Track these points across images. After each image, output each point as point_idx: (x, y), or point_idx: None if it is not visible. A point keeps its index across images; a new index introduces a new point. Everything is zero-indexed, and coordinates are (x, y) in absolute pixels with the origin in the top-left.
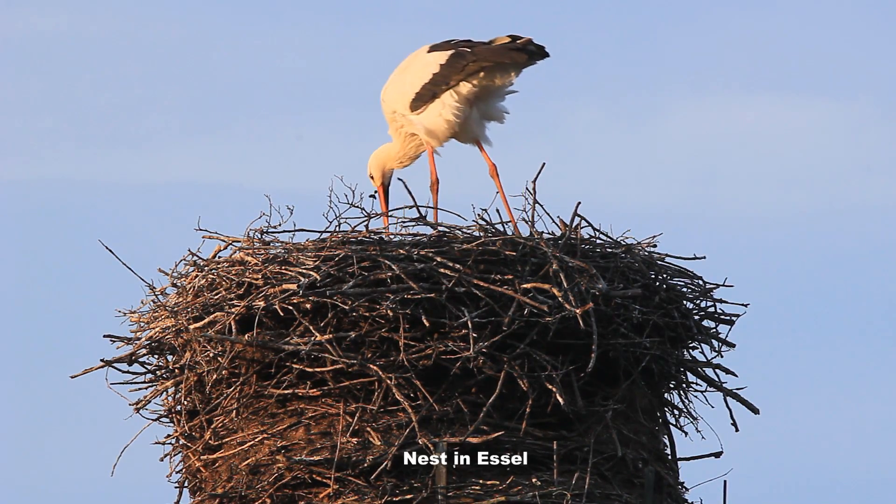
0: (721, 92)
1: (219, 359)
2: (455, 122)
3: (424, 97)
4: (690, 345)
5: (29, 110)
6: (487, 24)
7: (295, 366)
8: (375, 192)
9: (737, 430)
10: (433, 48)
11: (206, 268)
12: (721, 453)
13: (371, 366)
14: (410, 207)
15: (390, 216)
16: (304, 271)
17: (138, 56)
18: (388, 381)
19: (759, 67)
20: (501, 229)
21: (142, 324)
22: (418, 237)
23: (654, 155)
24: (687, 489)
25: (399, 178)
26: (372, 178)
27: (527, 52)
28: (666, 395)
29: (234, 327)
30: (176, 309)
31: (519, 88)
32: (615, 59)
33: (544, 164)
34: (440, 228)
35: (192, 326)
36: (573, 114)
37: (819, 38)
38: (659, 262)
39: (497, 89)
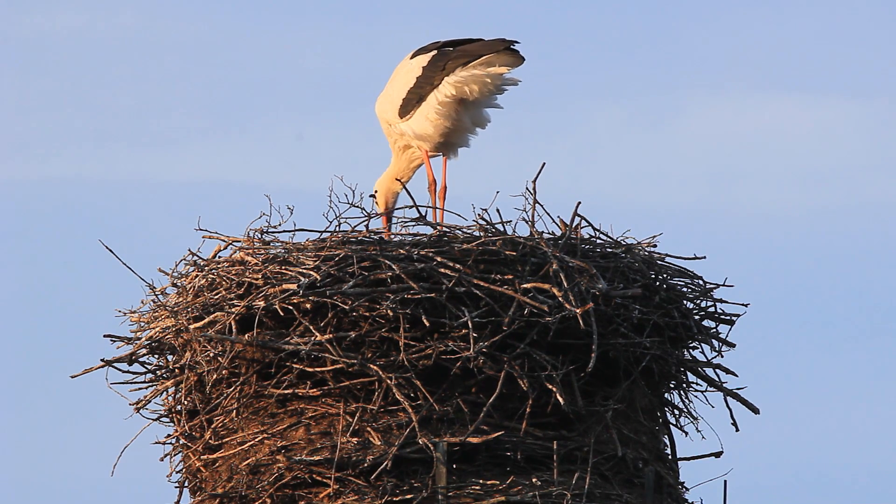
0: (739, 92)
1: (219, 359)
2: (441, 122)
3: (412, 101)
4: (690, 345)
5: (30, 110)
6: (501, 25)
7: (295, 366)
8: (375, 191)
9: (737, 430)
10: (415, 53)
11: (206, 268)
12: (721, 453)
13: (371, 366)
14: (410, 207)
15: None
16: (304, 271)
17: (136, 57)
18: (389, 381)
19: (777, 68)
20: (501, 229)
21: (142, 324)
22: (418, 237)
23: (672, 155)
24: (687, 489)
25: (397, 178)
26: (377, 203)
27: (504, 44)
28: (666, 394)
29: (234, 327)
30: (176, 309)
31: (504, 104)
32: (633, 60)
33: (544, 163)
34: (441, 228)
35: (192, 326)
36: (591, 114)
37: (836, 39)
38: (659, 262)
39: (477, 94)
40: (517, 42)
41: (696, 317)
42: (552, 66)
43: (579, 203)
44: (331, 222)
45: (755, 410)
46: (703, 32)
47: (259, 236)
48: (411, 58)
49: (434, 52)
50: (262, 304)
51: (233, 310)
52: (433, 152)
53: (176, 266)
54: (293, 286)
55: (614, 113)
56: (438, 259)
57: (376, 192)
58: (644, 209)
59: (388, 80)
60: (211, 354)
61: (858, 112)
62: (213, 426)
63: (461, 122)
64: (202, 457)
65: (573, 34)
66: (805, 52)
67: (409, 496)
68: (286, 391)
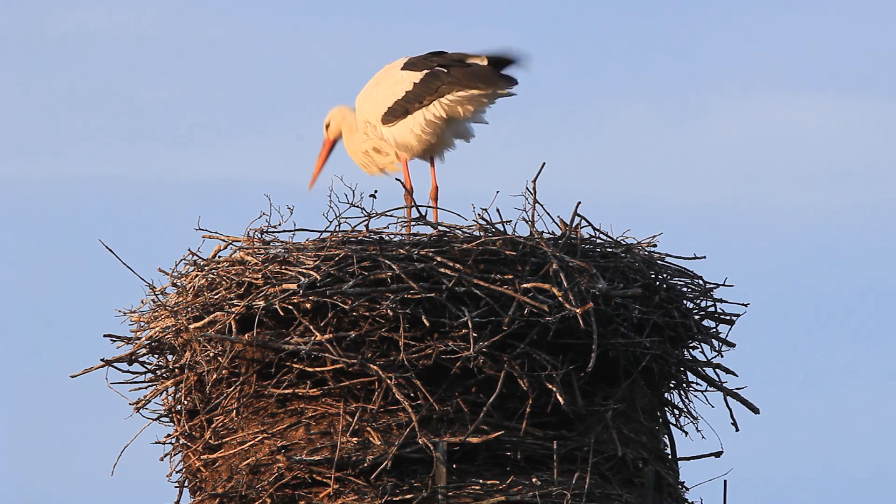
0: (765, 91)
1: (219, 358)
2: (426, 138)
3: (396, 112)
4: (690, 344)
5: (30, 109)
6: (523, 23)
7: (295, 365)
8: (375, 191)
9: (737, 429)
10: (408, 64)
11: (206, 267)
12: (721, 453)
13: (371, 365)
14: (410, 207)
15: (389, 215)
16: (304, 271)
17: (138, 58)
18: (388, 381)
19: (803, 67)
20: (501, 229)
21: (142, 323)
22: (418, 237)
23: (697, 153)
24: (687, 489)
25: (397, 179)
26: (327, 126)
27: (500, 79)
28: (666, 394)
29: (234, 327)
30: (176, 309)
31: (489, 119)
32: (659, 59)
33: (544, 163)
34: (440, 229)
35: (192, 326)
36: (619, 112)
37: (862, 38)
38: (659, 262)
39: (470, 114)
40: (514, 78)
41: (696, 317)
42: (576, 65)
43: (579, 203)
44: (331, 222)
45: (755, 410)
46: (729, 31)
47: (259, 236)
48: (402, 68)
49: (427, 72)
50: (262, 303)
51: (233, 310)
52: (413, 158)
53: (176, 266)
54: (293, 286)
55: (639, 112)
56: (438, 259)
57: (328, 123)
58: (666, 208)
59: (371, 79)
60: (211, 354)
61: (884, 111)
62: (213, 426)
63: (444, 137)
64: (202, 457)
65: (598, 33)
66: (831, 50)
67: (409, 496)
68: (286, 391)
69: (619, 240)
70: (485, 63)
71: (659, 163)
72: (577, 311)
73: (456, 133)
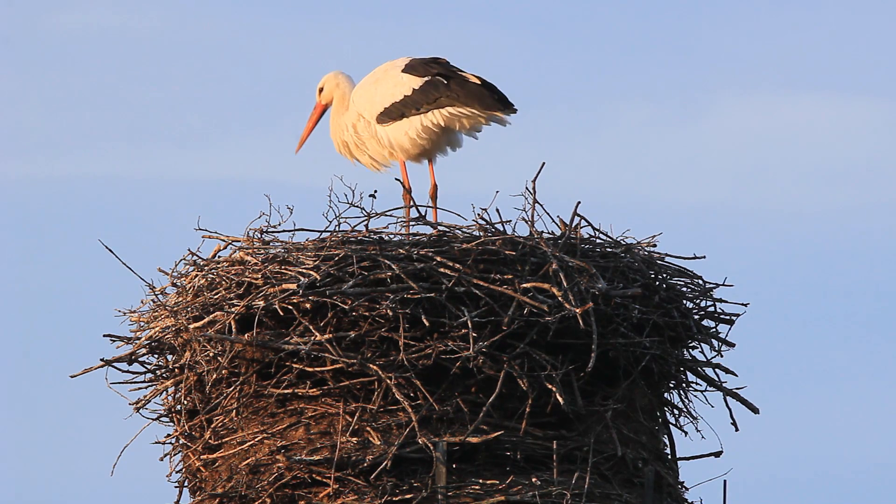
0: (766, 91)
1: (218, 358)
2: (421, 143)
3: (392, 114)
4: (690, 344)
5: (30, 108)
6: (525, 22)
7: (295, 365)
8: (375, 191)
9: (737, 429)
10: (408, 67)
11: (205, 267)
12: (721, 453)
13: (371, 365)
14: (410, 207)
15: (389, 215)
16: (303, 271)
17: (140, 58)
18: (388, 381)
19: (804, 66)
20: (501, 229)
21: (141, 323)
22: (418, 237)
23: (699, 153)
24: (687, 489)
25: (396, 179)
26: (320, 91)
27: (498, 106)
28: (666, 394)
29: (233, 327)
30: (176, 308)
31: (484, 132)
32: (661, 58)
33: (544, 163)
34: (440, 228)
35: (191, 326)
36: (619, 112)
37: (864, 38)
38: (659, 262)
39: (466, 129)
40: (513, 105)
41: (696, 316)
42: (576, 65)
43: (579, 203)
44: (330, 222)
45: (755, 410)
46: (729, 31)
47: (259, 236)
48: (403, 70)
49: (427, 79)
50: (261, 303)
51: (232, 310)
52: (410, 158)
53: (176, 266)
54: (293, 286)
55: (640, 112)
56: (438, 259)
57: (322, 87)
58: (666, 208)
59: (371, 74)
60: (211, 354)
61: (884, 111)
62: (212, 426)
63: (439, 143)
64: (202, 457)
65: (599, 32)
66: (831, 50)
67: (408, 496)
68: (286, 391)
69: (618, 240)
70: (478, 83)
71: (659, 163)
72: (577, 310)
73: (449, 141)
